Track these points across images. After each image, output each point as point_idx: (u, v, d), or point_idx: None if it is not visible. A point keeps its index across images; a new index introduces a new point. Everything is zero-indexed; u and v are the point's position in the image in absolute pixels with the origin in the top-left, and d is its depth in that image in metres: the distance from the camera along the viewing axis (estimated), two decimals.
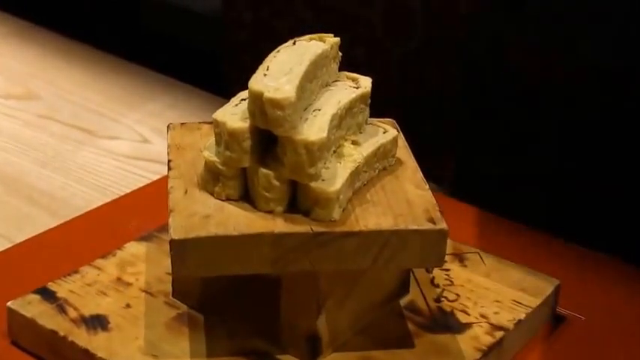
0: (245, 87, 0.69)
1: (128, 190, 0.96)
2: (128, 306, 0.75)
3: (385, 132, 0.74)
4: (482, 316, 0.76)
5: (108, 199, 0.94)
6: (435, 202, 0.69)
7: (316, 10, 1.11)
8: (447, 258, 0.68)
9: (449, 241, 0.67)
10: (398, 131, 0.75)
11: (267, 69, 0.67)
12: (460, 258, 0.82)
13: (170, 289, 0.76)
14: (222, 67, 1.25)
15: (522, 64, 0.94)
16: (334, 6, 1.12)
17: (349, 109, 0.71)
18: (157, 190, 0.89)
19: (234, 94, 0.71)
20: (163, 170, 0.94)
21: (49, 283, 0.77)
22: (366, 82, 0.73)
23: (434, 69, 1.04)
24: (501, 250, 0.83)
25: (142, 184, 0.97)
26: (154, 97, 1.18)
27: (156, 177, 0.98)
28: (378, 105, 0.75)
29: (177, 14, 1.44)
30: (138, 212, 0.88)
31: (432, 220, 0.66)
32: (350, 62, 0.74)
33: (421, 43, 1.04)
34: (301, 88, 0.66)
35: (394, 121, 0.77)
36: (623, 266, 0.87)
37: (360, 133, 0.72)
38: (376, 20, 1.08)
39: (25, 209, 0.95)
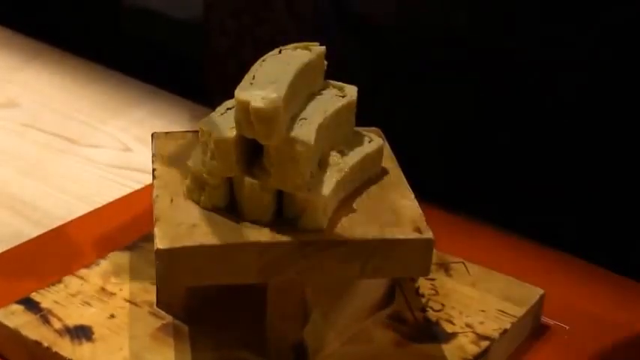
0: (227, 95, 0.69)
1: (111, 199, 0.95)
2: (112, 316, 0.75)
3: (371, 141, 0.73)
4: (468, 325, 0.76)
5: (91, 208, 0.93)
6: (420, 211, 0.69)
7: (298, 18, 1.11)
8: (432, 268, 0.68)
9: (434, 251, 0.67)
10: (383, 140, 0.75)
11: (254, 78, 0.67)
12: (445, 268, 0.82)
13: (155, 299, 0.76)
14: (204, 75, 1.24)
15: None
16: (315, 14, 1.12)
17: (335, 118, 0.70)
18: (141, 199, 0.89)
19: (216, 103, 0.71)
20: (146, 179, 0.94)
21: (33, 294, 0.77)
22: (351, 91, 0.73)
23: (415, 76, 1.04)
24: (486, 260, 0.84)
25: (124, 193, 0.96)
26: (137, 105, 1.18)
27: (139, 186, 0.98)
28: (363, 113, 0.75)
29: (158, 21, 1.44)
30: (121, 221, 0.87)
31: (418, 230, 0.66)
32: (333, 70, 0.74)
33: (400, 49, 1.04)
34: (288, 98, 0.66)
35: (380, 130, 0.77)
36: (607, 275, 0.87)
37: (346, 142, 0.72)
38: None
39: (6, 219, 0.95)
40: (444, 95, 1.01)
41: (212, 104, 0.71)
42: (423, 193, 0.72)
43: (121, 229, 0.86)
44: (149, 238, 0.81)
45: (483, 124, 0.99)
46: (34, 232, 0.90)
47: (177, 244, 0.64)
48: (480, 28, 0.97)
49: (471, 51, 0.98)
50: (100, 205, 0.95)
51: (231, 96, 0.67)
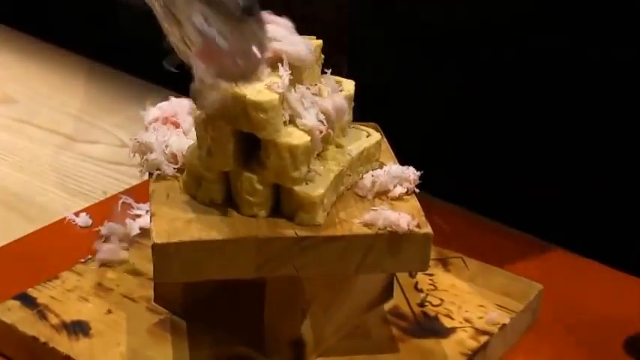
0: None
1: (108, 195, 0.95)
2: (109, 312, 0.75)
3: (369, 135, 0.73)
4: (467, 320, 0.75)
5: (87, 204, 0.93)
6: (419, 206, 0.68)
7: (293, 18, 1.11)
8: (430, 263, 0.68)
9: (432, 246, 0.67)
10: (381, 135, 0.74)
11: None
12: (444, 263, 0.82)
13: (152, 294, 0.76)
14: None
15: None
16: (310, 13, 1.11)
17: None
18: (137, 195, 0.88)
19: None
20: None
21: (29, 289, 0.76)
22: (349, 86, 0.73)
23: (412, 72, 1.04)
24: (484, 255, 0.83)
25: (121, 189, 0.96)
26: (133, 101, 1.17)
27: (135, 182, 0.97)
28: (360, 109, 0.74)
29: (154, 18, 1.43)
30: (118, 217, 0.86)
31: (417, 225, 0.66)
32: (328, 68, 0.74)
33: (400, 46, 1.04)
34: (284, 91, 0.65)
35: (377, 126, 0.76)
36: (605, 270, 0.87)
37: (344, 136, 0.72)
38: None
39: (2, 215, 0.94)
40: (443, 90, 1.01)
41: None
42: (421, 188, 0.71)
43: (119, 224, 0.85)
44: (146, 233, 0.81)
45: (482, 118, 0.99)
46: (31, 228, 0.89)
47: (174, 239, 0.64)
48: (481, 26, 0.96)
49: (469, 48, 0.97)
50: (96, 201, 0.94)
51: None
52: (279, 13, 0.69)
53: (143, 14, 0.69)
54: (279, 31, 0.68)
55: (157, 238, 0.64)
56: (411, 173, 0.70)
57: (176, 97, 0.76)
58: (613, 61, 0.91)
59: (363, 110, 0.74)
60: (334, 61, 0.73)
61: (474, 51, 0.98)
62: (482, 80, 0.98)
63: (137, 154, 0.72)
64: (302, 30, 0.70)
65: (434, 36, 1.00)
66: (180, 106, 0.74)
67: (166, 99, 0.76)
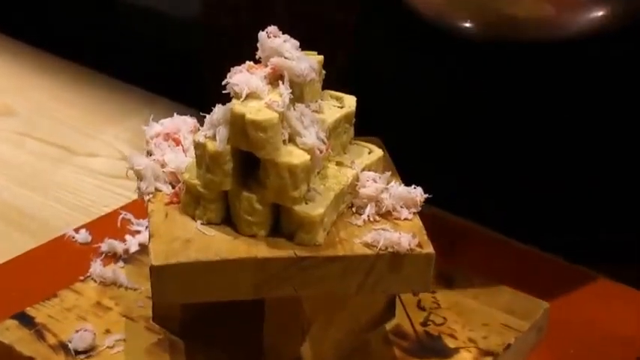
0: (225, 99, 0.67)
1: (108, 210, 0.94)
2: (108, 331, 0.74)
3: (370, 152, 0.72)
4: (471, 340, 0.74)
5: (88, 219, 0.92)
6: (421, 225, 0.67)
7: (296, 16, 1.10)
8: (433, 280, 0.67)
9: (435, 262, 0.65)
10: (383, 151, 0.73)
11: None
12: (447, 279, 0.80)
13: (151, 313, 0.75)
14: (203, 75, 1.24)
15: None
16: (314, 12, 1.11)
17: (333, 130, 0.69)
18: (137, 210, 0.87)
19: (215, 105, 0.70)
20: None
21: (28, 308, 0.76)
22: (350, 102, 0.72)
23: (419, 78, 1.03)
24: (489, 270, 0.82)
25: (122, 204, 0.95)
26: (134, 112, 1.17)
27: (136, 196, 0.97)
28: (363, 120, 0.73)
29: (155, 22, 1.43)
30: (118, 233, 0.86)
31: (419, 244, 0.65)
32: (330, 70, 0.73)
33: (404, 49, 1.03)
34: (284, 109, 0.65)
35: (380, 141, 0.75)
36: (615, 286, 0.85)
37: (345, 153, 0.71)
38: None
39: (1, 230, 0.94)
40: (443, 90, 1.00)
41: (210, 108, 0.69)
42: (425, 202, 0.70)
43: (118, 240, 0.85)
44: (145, 250, 0.80)
45: (487, 134, 0.97)
46: (30, 244, 0.88)
47: (172, 261, 0.63)
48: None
49: (470, 48, 0.96)
50: (96, 216, 0.93)
51: (229, 100, 0.66)
52: (282, 13, 0.68)
53: (143, 18, 0.69)
54: (284, 46, 0.67)
55: (155, 260, 0.63)
56: (418, 194, 0.69)
57: (177, 106, 0.75)
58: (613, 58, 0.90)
59: (363, 111, 0.73)
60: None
61: (474, 52, 0.97)
62: (483, 80, 0.97)
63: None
64: (307, 29, 0.69)
65: (434, 36, 0.99)
66: (182, 124, 0.73)
67: (167, 109, 0.76)
